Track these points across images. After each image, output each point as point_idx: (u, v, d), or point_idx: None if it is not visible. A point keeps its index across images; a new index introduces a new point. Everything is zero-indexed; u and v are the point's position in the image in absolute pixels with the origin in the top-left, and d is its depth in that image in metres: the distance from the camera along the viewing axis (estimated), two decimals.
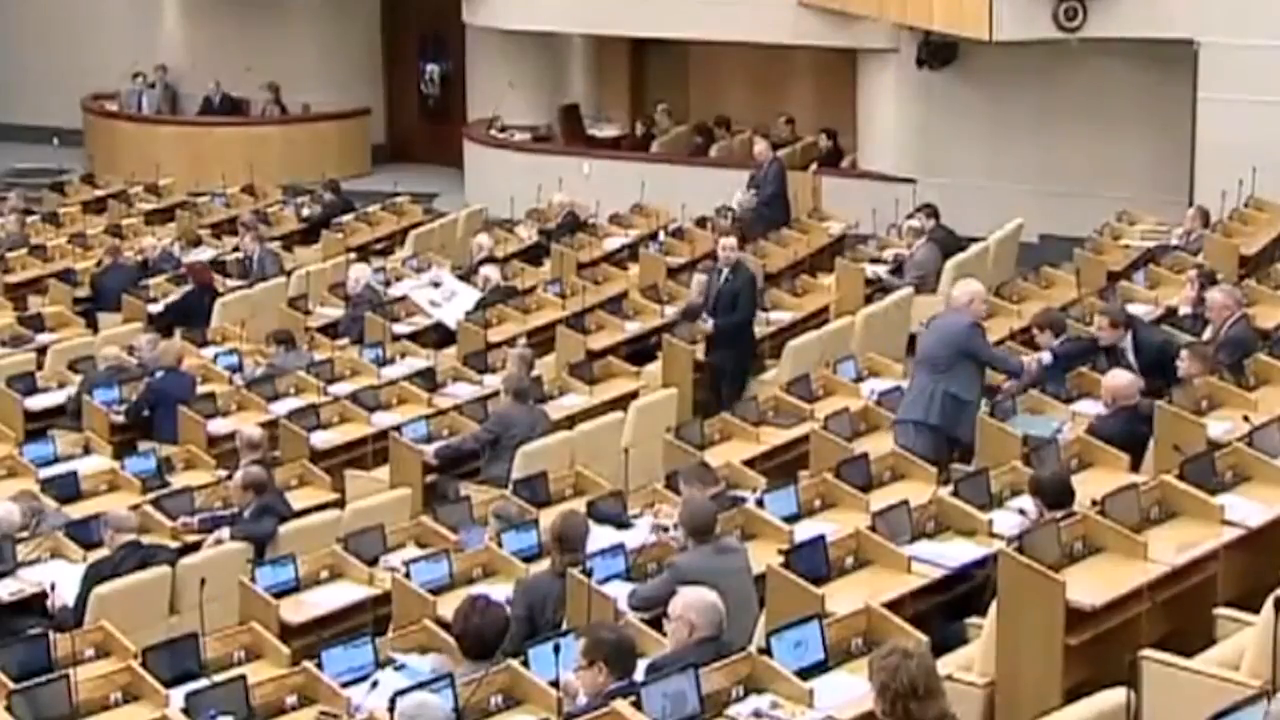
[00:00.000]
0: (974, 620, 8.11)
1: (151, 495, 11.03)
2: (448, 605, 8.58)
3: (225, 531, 10.19)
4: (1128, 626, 7.70)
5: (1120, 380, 10.43)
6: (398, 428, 12.08)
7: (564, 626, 8.20)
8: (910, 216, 16.39)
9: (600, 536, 9.41)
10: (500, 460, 11.48)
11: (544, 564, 9.03)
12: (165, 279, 16.81)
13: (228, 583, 9.24)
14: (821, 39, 19.69)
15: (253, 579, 9.21)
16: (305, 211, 19.78)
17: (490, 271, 16.03)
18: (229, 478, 11.09)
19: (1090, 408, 10.78)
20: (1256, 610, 7.07)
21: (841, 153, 20.12)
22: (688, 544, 8.55)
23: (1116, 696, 6.51)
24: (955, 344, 10.96)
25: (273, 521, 10.22)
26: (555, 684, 7.30)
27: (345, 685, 7.72)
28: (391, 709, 6.96)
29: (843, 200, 18.59)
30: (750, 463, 10.76)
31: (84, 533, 10.21)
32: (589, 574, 8.53)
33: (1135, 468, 9.78)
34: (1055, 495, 8.54)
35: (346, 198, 20.16)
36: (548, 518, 9.52)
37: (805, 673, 7.27)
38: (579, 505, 10.08)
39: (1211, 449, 9.31)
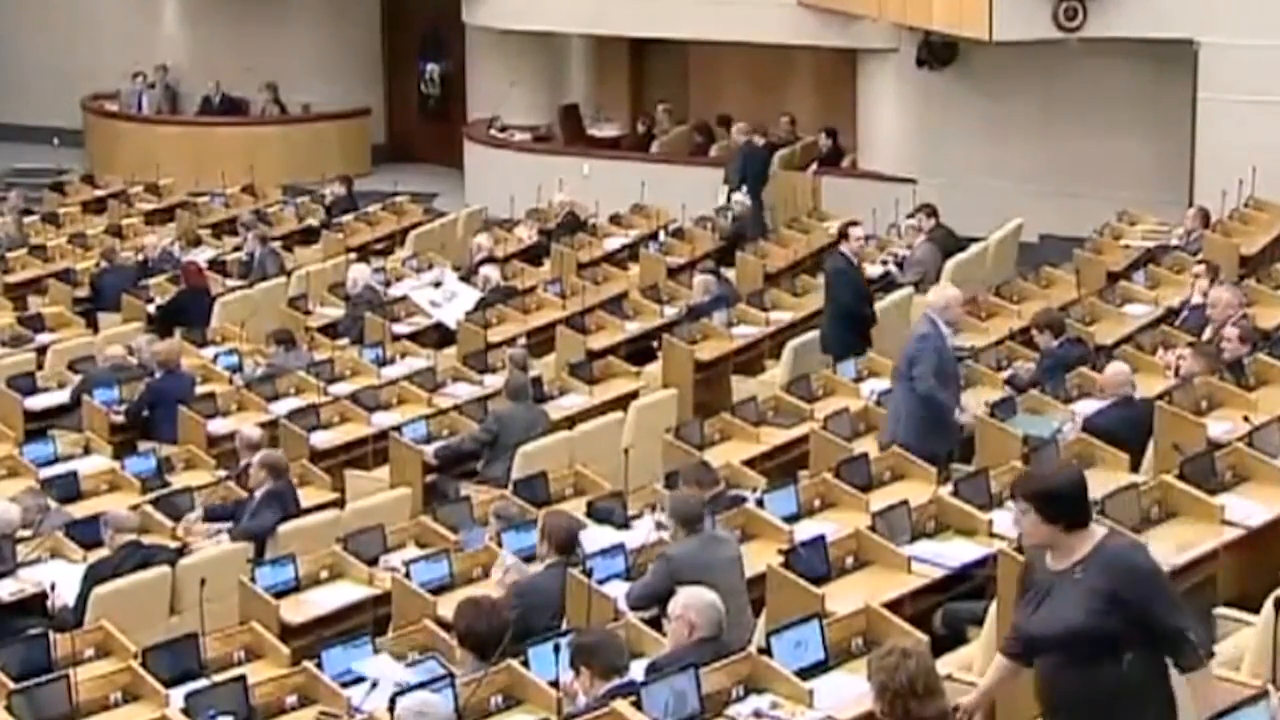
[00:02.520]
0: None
1: (151, 495, 11.04)
2: (448, 605, 8.58)
3: (224, 536, 10.19)
4: None
5: (1113, 371, 10.46)
6: (398, 428, 12.08)
7: (563, 626, 8.21)
8: (910, 216, 16.40)
9: (600, 536, 9.42)
10: (500, 460, 11.49)
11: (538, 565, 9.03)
12: (165, 279, 16.81)
13: (228, 583, 9.24)
14: (821, 39, 19.69)
15: (253, 579, 9.21)
16: (309, 221, 19.73)
17: (490, 271, 16.04)
18: (229, 478, 11.11)
19: (1090, 408, 10.78)
20: (1256, 610, 7.07)
21: (841, 153, 20.12)
22: (677, 535, 8.57)
23: None
24: (907, 350, 10.69)
25: (274, 515, 10.23)
26: (555, 684, 7.31)
27: (345, 685, 7.72)
28: (391, 709, 6.96)
29: (843, 200, 18.60)
30: (750, 463, 10.77)
31: (84, 533, 10.20)
32: (589, 574, 8.54)
33: (1135, 468, 9.78)
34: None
35: (355, 195, 20.25)
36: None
37: (805, 673, 7.27)
38: (579, 505, 10.09)
39: (1211, 449, 9.31)
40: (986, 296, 14.05)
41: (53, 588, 9.52)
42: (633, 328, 14.65)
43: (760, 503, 9.58)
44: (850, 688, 7.14)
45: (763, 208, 18.61)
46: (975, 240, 16.13)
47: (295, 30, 24.17)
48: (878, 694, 5.59)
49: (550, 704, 7.28)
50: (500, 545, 9.43)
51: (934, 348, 10.48)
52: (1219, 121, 16.13)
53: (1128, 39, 16.62)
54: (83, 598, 9.29)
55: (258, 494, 10.35)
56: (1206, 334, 11.62)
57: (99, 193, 21.47)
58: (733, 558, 8.52)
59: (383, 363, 13.94)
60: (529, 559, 9.29)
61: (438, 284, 16.07)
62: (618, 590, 8.58)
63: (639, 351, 14.24)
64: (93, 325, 16.02)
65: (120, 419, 12.85)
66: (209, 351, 14.68)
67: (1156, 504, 8.52)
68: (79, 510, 10.80)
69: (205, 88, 24.01)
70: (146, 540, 9.91)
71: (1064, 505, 5.69)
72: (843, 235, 13.82)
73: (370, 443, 12.30)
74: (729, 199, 18.47)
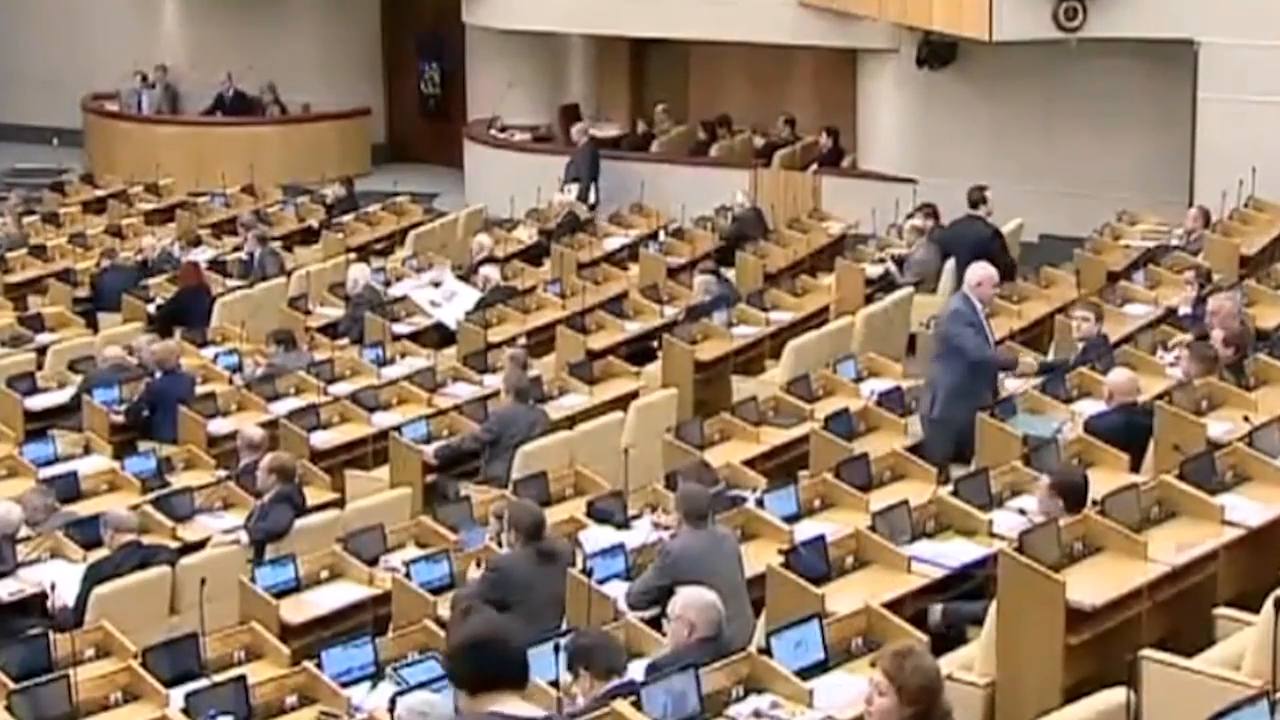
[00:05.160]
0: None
1: (151, 495, 11.03)
2: (448, 605, 8.58)
3: (243, 534, 10.20)
4: (1128, 626, 7.70)
5: (1120, 378, 10.47)
6: (398, 428, 12.08)
7: (563, 626, 8.21)
8: (910, 216, 16.40)
9: (600, 536, 9.42)
10: (500, 460, 11.48)
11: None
12: (165, 279, 16.81)
13: (228, 583, 9.23)
14: (821, 39, 19.70)
15: (253, 579, 9.21)
16: (309, 221, 19.72)
17: (490, 271, 16.04)
18: (229, 477, 11.11)
19: (1090, 408, 10.78)
20: (1256, 610, 7.07)
21: (842, 153, 20.13)
22: (681, 528, 8.58)
23: (1116, 696, 6.51)
24: (941, 326, 11.06)
25: (289, 513, 10.23)
26: (555, 684, 7.30)
27: (345, 685, 7.72)
28: (391, 709, 6.96)
29: (843, 200, 18.61)
30: (750, 463, 10.76)
31: (84, 533, 10.20)
32: (589, 574, 8.54)
33: (1135, 468, 9.78)
34: (1075, 499, 8.44)
35: (355, 196, 20.27)
36: (549, 518, 9.51)
37: (805, 673, 7.27)
38: (579, 505, 10.10)
39: (1211, 449, 9.30)
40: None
41: (53, 588, 9.51)
42: (633, 328, 14.64)
43: (760, 503, 9.58)
44: (850, 688, 7.14)
45: (597, 204, 19.47)
46: None
47: (295, 30, 24.17)
48: (906, 700, 5.42)
49: (550, 704, 7.27)
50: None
51: (968, 321, 10.87)
52: (1219, 121, 16.14)
53: (1128, 39, 16.64)
54: (83, 598, 9.29)
55: (267, 497, 10.36)
56: None
57: (99, 193, 21.48)
58: (732, 554, 8.56)
59: (383, 363, 13.94)
60: None
61: (437, 284, 16.07)
62: (618, 590, 8.59)
63: (639, 351, 14.23)
64: (93, 325, 16.02)
65: (120, 419, 12.85)
66: (209, 351, 14.68)
67: (1156, 504, 8.52)
68: (79, 510, 10.79)
69: (206, 87, 23.98)
70: (146, 540, 9.91)
71: (463, 664, 4.84)
72: (980, 201, 14.02)
73: (370, 443, 12.29)
74: (582, 195, 19.30)
